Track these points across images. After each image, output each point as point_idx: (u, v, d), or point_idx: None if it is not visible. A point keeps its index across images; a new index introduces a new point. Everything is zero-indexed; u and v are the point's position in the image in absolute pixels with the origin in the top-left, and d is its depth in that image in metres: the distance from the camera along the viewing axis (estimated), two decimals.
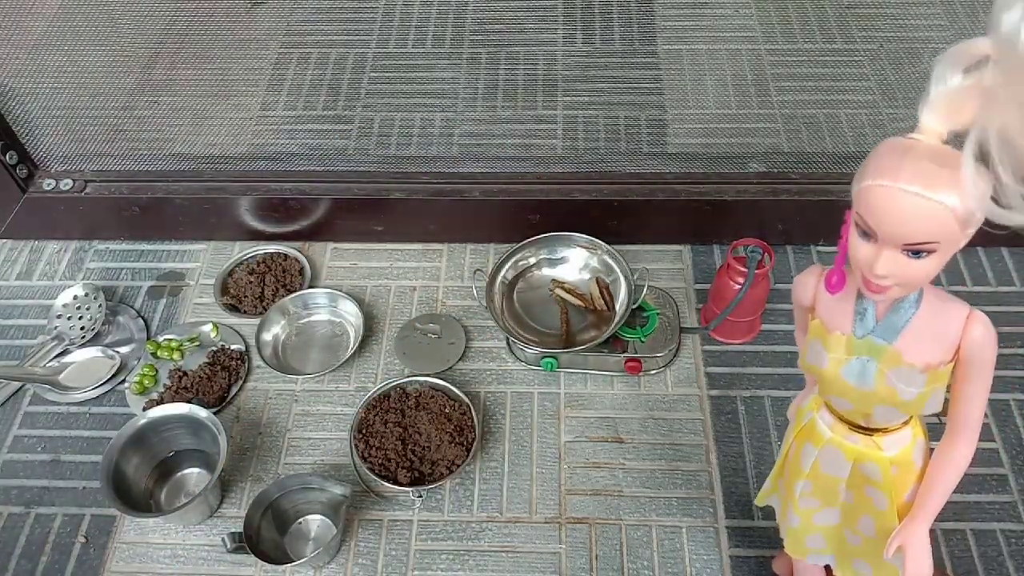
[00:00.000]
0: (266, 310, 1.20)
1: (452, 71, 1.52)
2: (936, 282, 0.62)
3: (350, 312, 1.21)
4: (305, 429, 1.11)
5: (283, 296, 1.22)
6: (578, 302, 1.18)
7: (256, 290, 1.23)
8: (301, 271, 1.26)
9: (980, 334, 0.60)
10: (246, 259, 1.28)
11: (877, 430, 0.68)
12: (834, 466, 0.71)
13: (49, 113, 1.35)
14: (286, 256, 1.28)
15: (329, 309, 1.22)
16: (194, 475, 1.07)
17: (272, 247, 1.29)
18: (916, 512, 0.68)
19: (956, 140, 0.53)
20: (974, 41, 0.50)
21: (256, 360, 1.18)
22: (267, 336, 1.19)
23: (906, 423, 0.68)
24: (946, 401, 0.65)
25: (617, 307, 1.15)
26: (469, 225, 1.28)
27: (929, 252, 0.54)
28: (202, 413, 1.02)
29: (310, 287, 1.24)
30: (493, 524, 1.02)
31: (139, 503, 1.01)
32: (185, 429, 1.04)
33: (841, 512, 0.75)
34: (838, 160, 1.24)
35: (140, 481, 1.03)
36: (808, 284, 0.67)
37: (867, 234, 0.56)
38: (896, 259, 0.55)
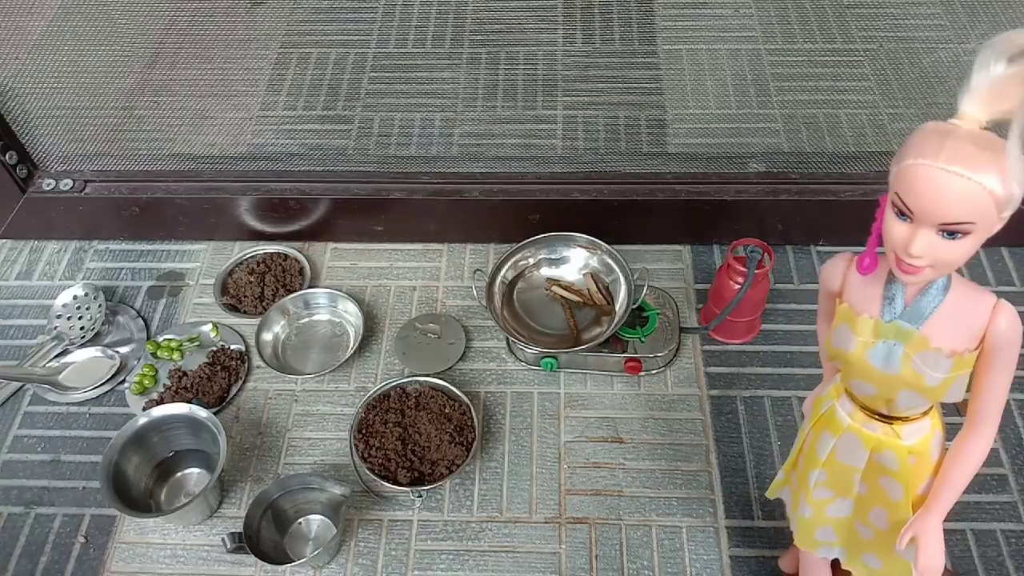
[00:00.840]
0: (266, 310, 1.20)
1: (452, 71, 1.52)
2: None
3: (350, 312, 1.21)
4: (305, 429, 1.11)
5: (283, 296, 1.22)
6: (576, 298, 1.18)
7: (256, 290, 1.23)
8: (301, 271, 1.26)
9: (1006, 324, 0.61)
10: (246, 259, 1.28)
11: (897, 419, 0.68)
12: (851, 455, 0.72)
13: (49, 113, 1.35)
14: (286, 256, 1.28)
15: (329, 309, 1.22)
16: (194, 475, 1.06)
17: (272, 247, 1.29)
18: (930, 504, 0.68)
19: (994, 128, 0.54)
20: (1020, 31, 0.51)
21: (256, 360, 1.18)
22: (267, 336, 1.18)
23: (926, 414, 0.68)
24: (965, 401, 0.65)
25: (617, 307, 1.15)
26: (469, 225, 1.28)
27: (964, 233, 0.55)
28: (202, 413, 1.02)
29: (310, 287, 1.24)
30: (493, 524, 1.02)
31: (139, 503, 1.01)
32: (185, 429, 1.04)
33: (854, 503, 0.75)
34: (838, 160, 1.24)
35: (140, 481, 1.03)
36: (838, 269, 0.68)
37: (903, 214, 0.56)
38: (931, 240, 0.56)
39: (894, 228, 0.57)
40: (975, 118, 0.54)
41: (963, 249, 0.56)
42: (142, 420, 1.03)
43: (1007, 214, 0.55)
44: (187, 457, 1.06)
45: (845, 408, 0.71)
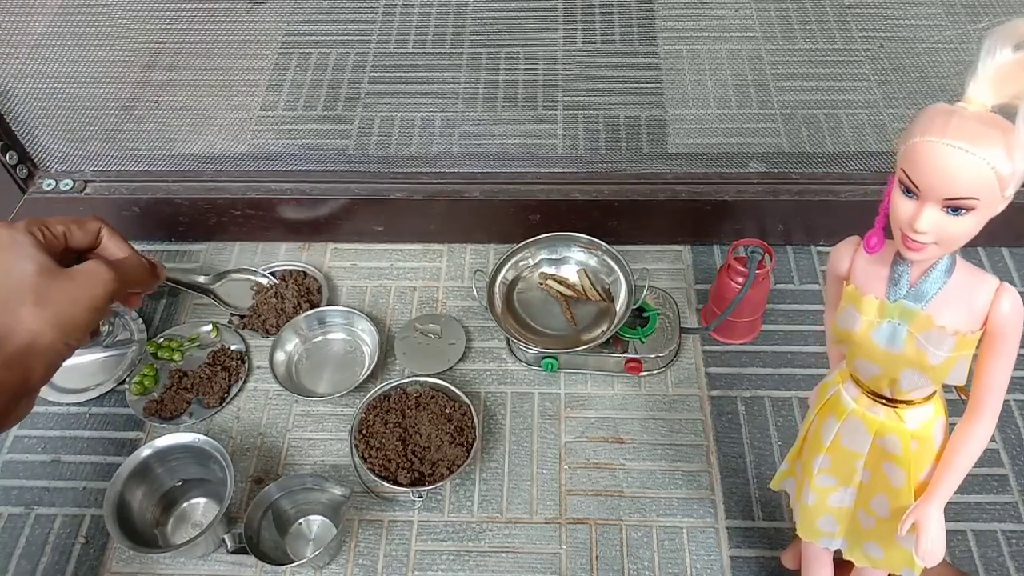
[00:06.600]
0: (279, 329, 1.18)
1: (452, 71, 1.52)
2: None
3: (364, 330, 1.19)
4: (305, 429, 1.11)
5: (303, 312, 1.19)
6: (572, 293, 1.18)
7: (277, 307, 1.20)
8: (319, 289, 1.24)
9: (1008, 306, 0.62)
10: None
11: (901, 402, 0.69)
12: (855, 439, 0.73)
13: (49, 113, 1.35)
14: (305, 274, 1.25)
15: (343, 328, 1.20)
16: (200, 504, 1.04)
17: (290, 264, 1.27)
18: (932, 490, 0.69)
19: (998, 111, 0.56)
20: None
21: (256, 360, 1.18)
22: (280, 356, 1.16)
23: (929, 399, 0.69)
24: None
25: (617, 307, 1.15)
26: (469, 225, 1.28)
27: (968, 209, 0.57)
28: (209, 444, 1.00)
29: (327, 304, 1.22)
30: (493, 525, 1.02)
31: (145, 534, 0.99)
32: (191, 458, 1.02)
33: (857, 492, 0.76)
34: (838, 160, 1.24)
35: (146, 512, 1.00)
36: (846, 252, 0.69)
37: (910, 191, 0.58)
38: (936, 216, 0.57)
39: (901, 205, 0.59)
40: (981, 102, 0.56)
41: (967, 226, 0.58)
42: (146, 451, 1.00)
43: (1010, 192, 0.56)
44: (194, 486, 1.04)
45: (850, 392, 0.72)
